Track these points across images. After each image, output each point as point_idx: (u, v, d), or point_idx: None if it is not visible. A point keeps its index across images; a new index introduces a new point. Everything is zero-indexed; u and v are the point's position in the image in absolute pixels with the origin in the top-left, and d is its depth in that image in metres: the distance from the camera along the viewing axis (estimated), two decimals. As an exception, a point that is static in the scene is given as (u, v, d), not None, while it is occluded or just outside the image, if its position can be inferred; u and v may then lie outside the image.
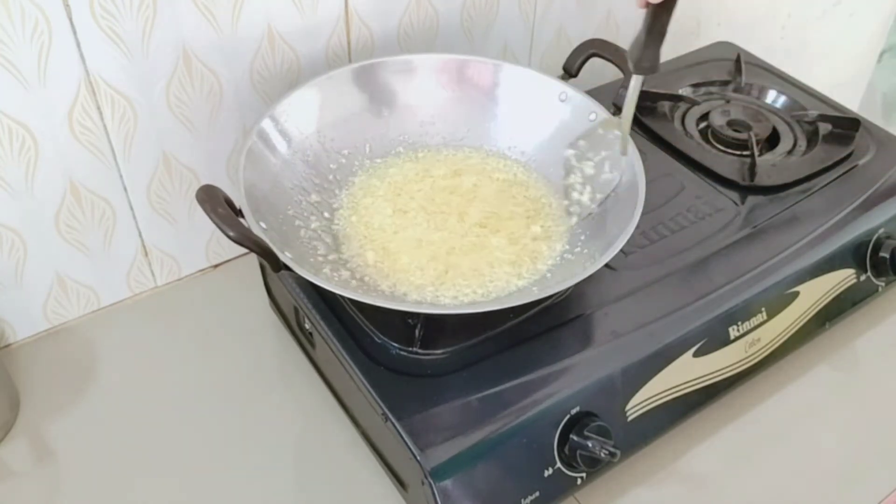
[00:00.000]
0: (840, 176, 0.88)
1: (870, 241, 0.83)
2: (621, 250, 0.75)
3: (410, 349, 0.68)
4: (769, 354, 0.77)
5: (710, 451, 0.74)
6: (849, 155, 0.90)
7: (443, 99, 0.84)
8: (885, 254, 0.83)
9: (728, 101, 0.98)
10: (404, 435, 0.62)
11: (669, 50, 1.18)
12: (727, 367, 0.74)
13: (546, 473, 0.65)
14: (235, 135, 0.84)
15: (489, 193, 0.79)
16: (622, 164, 0.75)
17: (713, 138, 0.93)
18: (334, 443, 0.75)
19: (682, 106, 0.98)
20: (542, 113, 0.83)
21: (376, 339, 0.69)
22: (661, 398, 0.70)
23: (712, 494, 0.72)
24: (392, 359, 0.67)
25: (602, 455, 0.63)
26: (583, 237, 0.74)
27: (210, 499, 0.71)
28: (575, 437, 0.65)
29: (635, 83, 0.71)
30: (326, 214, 0.76)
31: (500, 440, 0.62)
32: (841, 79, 1.60)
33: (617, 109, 0.77)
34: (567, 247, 0.74)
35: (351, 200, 0.78)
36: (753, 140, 0.89)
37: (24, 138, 0.71)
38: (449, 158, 0.83)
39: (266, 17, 0.79)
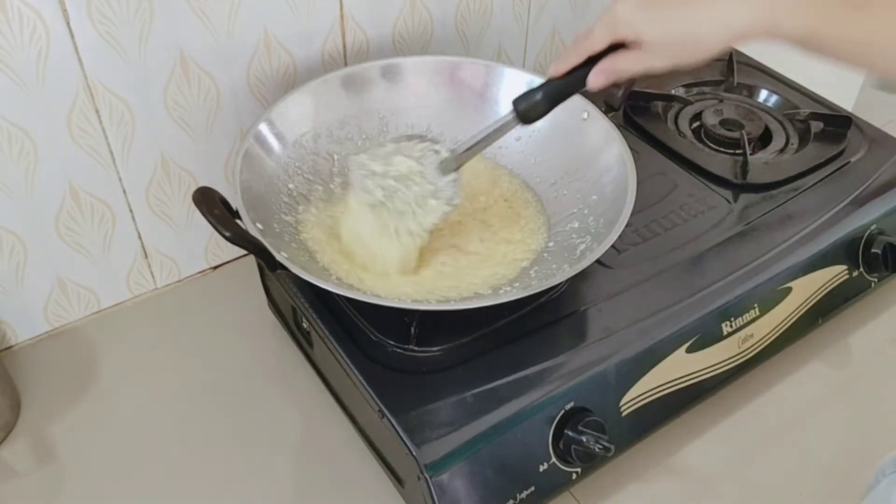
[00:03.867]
0: (832, 173, 0.89)
1: (862, 237, 0.84)
2: (614, 247, 0.76)
3: (406, 347, 0.68)
4: (762, 350, 0.78)
5: (703, 446, 0.75)
6: (841, 152, 0.91)
7: (437, 101, 0.85)
8: (877, 250, 0.84)
9: (720, 101, 0.99)
10: (400, 431, 0.62)
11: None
12: (720, 362, 0.75)
13: (541, 468, 0.65)
14: (232, 137, 0.85)
15: (481, 192, 0.80)
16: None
17: (706, 137, 0.94)
18: (332, 440, 0.75)
19: (675, 105, 0.99)
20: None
21: (373, 337, 0.69)
22: (654, 394, 0.71)
23: (706, 489, 0.73)
24: (388, 356, 0.68)
25: (596, 450, 0.64)
26: (574, 235, 0.75)
27: (210, 497, 0.71)
28: (569, 433, 0.65)
29: (509, 124, 0.65)
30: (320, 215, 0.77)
31: (495, 436, 0.63)
32: (835, 78, 1.60)
33: (608, 108, 0.78)
34: (558, 244, 0.75)
35: (345, 201, 0.79)
36: (745, 139, 0.90)
37: (24, 142, 0.72)
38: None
39: (262, 22, 0.80)
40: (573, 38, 0.87)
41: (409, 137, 0.71)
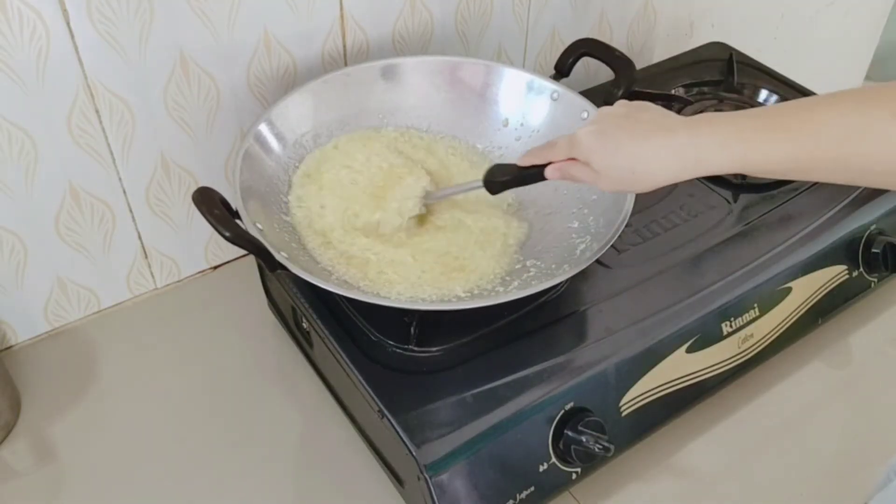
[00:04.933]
0: (832, 173, 0.89)
1: (862, 237, 0.84)
2: (614, 247, 0.76)
3: (406, 347, 0.68)
4: (762, 350, 0.78)
5: (703, 446, 0.75)
6: (840, 152, 0.91)
7: (437, 101, 0.85)
8: (877, 250, 0.84)
9: (720, 101, 0.99)
10: (400, 431, 0.62)
11: (663, 50, 1.20)
12: (720, 362, 0.75)
13: (541, 468, 0.65)
14: (233, 137, 0.85)
15: (480, 192, 0.80)
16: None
17: (706, 137, 0.94)
18: (332, 440, 0.75)
19: (675, 105, 0.98)
20: (535, 113, 0.83)
21: (372, 337, 0.69)
22: (654, 394, 0.71)
23: (706, 489, 0.73)
24: (388, 356, 0.68)
25: (596, 450, 0.64)
26: (574, 235, 0.75)
27: (210, 497, 0.71)
28: (569, 433, 0.65)
29: (473, 187, 0.72)
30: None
31: (495, 436, 0.63)
32: (835, 78, 1.61)
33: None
34: (558, 244, 0.75)
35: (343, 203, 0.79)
36: (746, 138, 0.90)
37: (24, 142, 0.72)
38: (443, 160, 0.84)
39: (262, 22, 0.80)
40: (569, 42, 0.87)
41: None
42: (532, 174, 0.67)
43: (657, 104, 0.95)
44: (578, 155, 0.62)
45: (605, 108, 0.64)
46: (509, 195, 0.79)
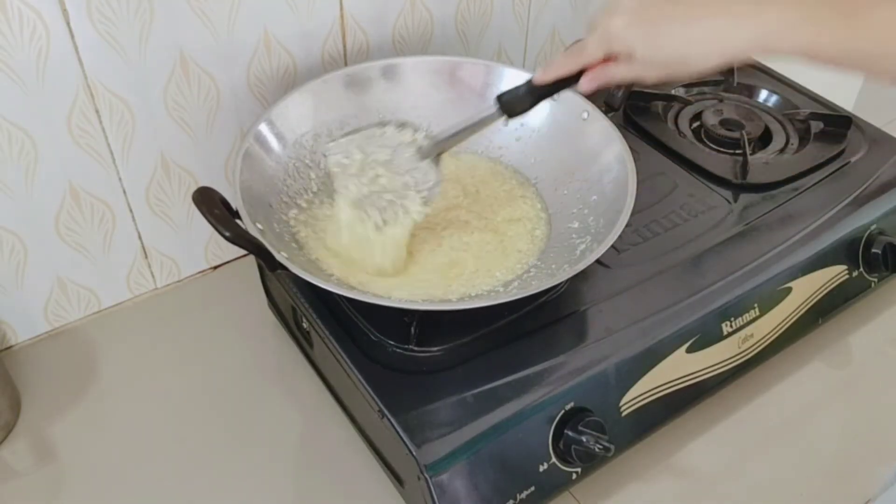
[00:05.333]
0: (832, 173, 0.89)
1: (862, 237, 0.84)
2: (614, 247, 0.76)
3: (406, 347, 0.68)
4: (762, 350, 0.78)
5: (704, 447, 0.75)
6: (841, 152, 0.91)
7: (437, 101, 0.85)
8: (877, 250, 0.84)
9: (720, 101, 0.99)
10: (400, 431, 0.62)
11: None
12: (720, 362, 0.75)
13: (541, 468, 0.65)
14: (233, 137, 0.85)
15: (481, 193, 0.80)
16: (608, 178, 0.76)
17: (706, 137, 0.94)
18: (332, 440, 0.75)
19: (675, 106, 0.99)
20: (535, 113, 0.83)
21: (373, 337, 0.69)
22: (654, 394, 0.71)
23: (706, 489, 0.72)
24: (388, 356, 0.68)
25: (596, 450, 0.64)
26: (574, 235, 0.75)
27: (210, 497, 0.71)
28: (569, 433, 0.65)
29: (492, 116, 0.66)
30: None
31: (495, 436, 0.63)
32: (835, 78, 1.60)
33: (608, 108, 0.78)
34: (558, 244, 0.75)
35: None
36: (745, 139, 0.90)
37: (24, 141, 0.72)
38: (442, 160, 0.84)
39: (262, 21, 0.80)
40: (570, 43, 0.87)
41: (384, 124, 0.71)
42: (555, 85, 0.60)
43: (657, 105, 0.96)
44: (617, 46, 0.56)
45: None
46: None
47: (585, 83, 0.59)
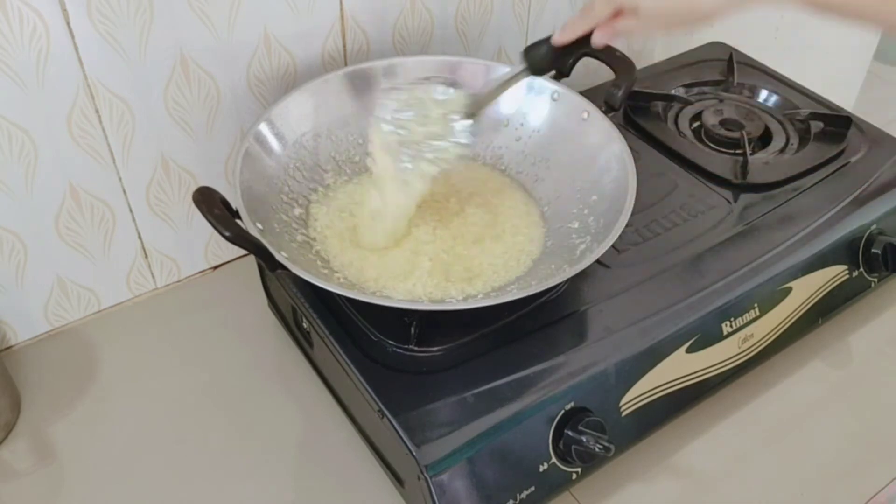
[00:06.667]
0: (832, 173, 0.89)
1: (862, 237, 0.84)
2: (614, 247, 0.76)
3: (406, 347, 0.68)
4: (762, 350, 0.78)
5: (704, 447, 0.75)
6: (841, 152, 0.91)
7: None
8: (877, 250, 0.84)
9: (721, 101, 0.99)
10: (400, 431, 0.62)
11: (663, 50, 1.20)
12: (720, 362, 0.75)
13: (541, 468, 0.65)
14: (233, 137, 0.85)
15: (480, 193, 0.80)
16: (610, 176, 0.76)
17: (706, 137, 0.94)
18: (332, 440, 0.75)
19: (675, 106, 0.99)
20: (535, 113, 0.83)
21: (373, 337, 0.69)
22: (654, 394, 0.71)
23: (706, 489, 0.72)
24: (388, 356, 0.68)
25: (596, 450, 0.64)
26: (574, 235, 0.75)
27: (210, 497, 0.71)
28: (569, 433, 0.65)
29: (520, 74, 0.69)
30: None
31: (495, 436, 0.63)
32: (836, 78, 1.61)
33: (608, 108, 0.78)
34: (558, 244, 0.75)
35: (344, 201, 0.79)
36: (746, 139, 0.90)
37: (24, 142, 0.72)
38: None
39: (262, 22, 0.80)
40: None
41: (427, 79, 0.74)
42: (575, 49, 0.64)
43: (657, 105, 0.96)
44: (625, 3, 0.58)
45: None
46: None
47: (598, 37, 0.61)
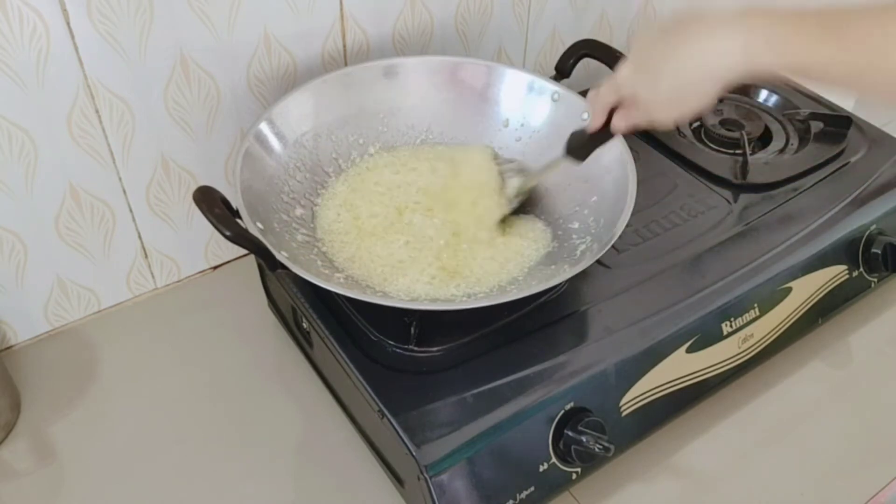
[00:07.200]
0: (832, 173, 0.89)
1: (862, 237, 0.84)
2: (614, 247, 0.76)
3: (406, 347, 0.68)
4: (762, 350, 0.78)
5: (703, 447, 0.75)
6: (841, 152, 0.91)
7: (437, 101, 0.85)
8: (877, 250, 0.84)
9: (720, 101, 0.99)
10: (400, 431, 0.62)
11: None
12: (720, 362, 0.75)
13: (541, 468, 0.65)
14: (233, 137, 0.85)
15: (479, 194, 0.80)
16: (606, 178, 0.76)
17: (706, 137, 0.94)
18: (332, 440, 0.75)
19: (676, 106, 0.98)
20: (535, 113, 0.83)
21: (372, 337, 0.69)
22: (654, 394, 0.71)
23: (706, 489, 0.72)
24: (388, 356, 0.68)
25: (596, 450, 0.64)
26: (574, 235, 0.75)
27: (210, 497, 0.71)
28: (569, 433, 0.65)
29: (558, 162, 0.72)
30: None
31: (495, 436, 0.63)
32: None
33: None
34: (558, 244, 0.75)
35: (345, 201, 0.79)
36: (745, 139, 0.90)
37: (24, 141, 0.72)
38: (442, 159, 0.84)
39: (262, 21, 0.80)
40: (570, 41, 0.87)
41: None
42: (606, 133, 0.66)
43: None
44: (624, 91, 0.60)
45: (640, 37, 0.61)
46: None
47: (615, 127, 0.64)
